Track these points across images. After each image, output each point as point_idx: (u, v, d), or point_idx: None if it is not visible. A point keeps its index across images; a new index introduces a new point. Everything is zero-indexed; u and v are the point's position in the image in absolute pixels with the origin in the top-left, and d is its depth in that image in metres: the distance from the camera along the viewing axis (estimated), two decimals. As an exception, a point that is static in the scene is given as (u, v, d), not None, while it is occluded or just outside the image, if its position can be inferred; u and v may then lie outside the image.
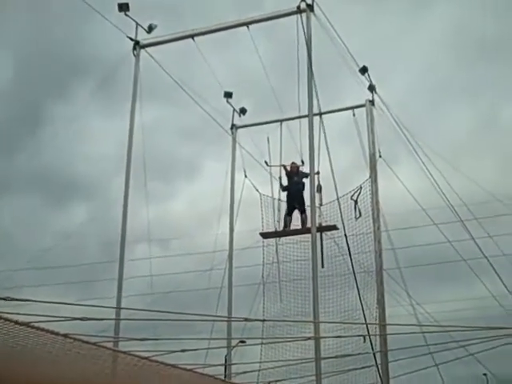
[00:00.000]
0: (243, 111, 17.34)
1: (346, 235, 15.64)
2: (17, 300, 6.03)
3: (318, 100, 13.64)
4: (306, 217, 15.56)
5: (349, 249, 15.33)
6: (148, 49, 13.90)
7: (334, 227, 15.99)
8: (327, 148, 14.96)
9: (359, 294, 14.58)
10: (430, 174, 14.91)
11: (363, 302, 15.47)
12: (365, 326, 14.25)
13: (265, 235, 16.30)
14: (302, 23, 12.95)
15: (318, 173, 15.45)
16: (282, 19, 13.78)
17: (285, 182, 16.64)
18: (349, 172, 19.14)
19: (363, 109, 16.94)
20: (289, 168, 16.44)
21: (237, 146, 17.24)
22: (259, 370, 12.64)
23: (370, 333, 14.09)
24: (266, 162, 16.63)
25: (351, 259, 15.11)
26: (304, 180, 15.73)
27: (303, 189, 15.50)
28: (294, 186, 16.17)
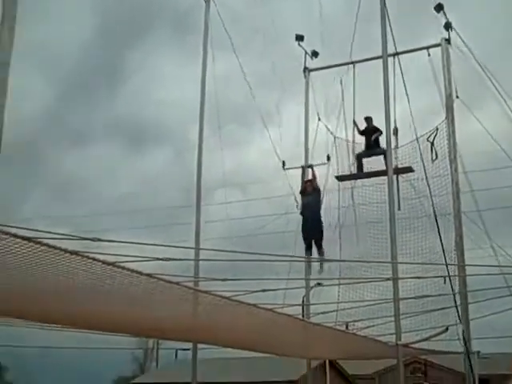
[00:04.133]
0: (315, 54, 17.05)
1: (426, 177, 15.33)
2: (103, 241, 6.29)
3: (393, 39, 13.26)
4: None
5: (430, 190, 15.04)
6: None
7: (410, 169, 15.75)
8: (405, 88, 14.57)
9: (440, 235, 14.35)
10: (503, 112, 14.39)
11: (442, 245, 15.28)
12: (444, 268, 14.12)
13: (340, 178, 16.21)
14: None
15: (396, 130, 15.33)
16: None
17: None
18: (425, 114, 18.65)
19: (439, 48, 16.37)
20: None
21: (310, 89, 17.04)
22: (337, 311, 12.77)
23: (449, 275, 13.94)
24: (354, 122, 16.37)
25: (432, 201, 14.83)
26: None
27: (380, 134, 15.11)
28: (370, 135, 15.96)
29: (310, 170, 15.51)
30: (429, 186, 15.17)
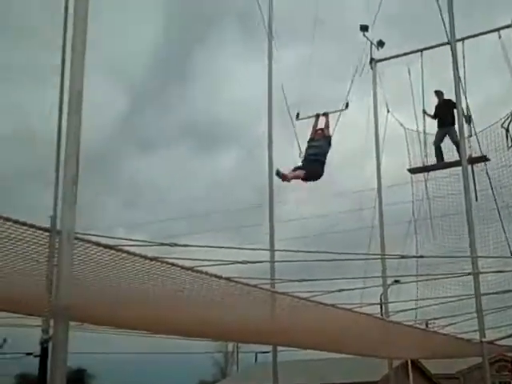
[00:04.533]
0: (381, 44, 16.66)
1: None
2: (180, 246, 6.28)
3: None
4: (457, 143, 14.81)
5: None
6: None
7: (485, 158, 15.18)
8: (464, 75, 14.04)
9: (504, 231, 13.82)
10: None
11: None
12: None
13: (413, 170, 15.79)
14: None
15: (469, 118, 14.69)
16: None
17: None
18: (499, 99, 17.95)
19: (510, 30, 15.72)
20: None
21: (377, 80, 16.68)
22: (416, 309, 12.42)
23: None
24: (424, 111, 15.88)
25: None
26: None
27: (453, 107, 14.30)
28: (443, 109, 15.48)
29: (323, 117, 13.20)
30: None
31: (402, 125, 16.35)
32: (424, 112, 15.91)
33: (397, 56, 16.42)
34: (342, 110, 13.80)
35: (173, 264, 6.28)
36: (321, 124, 12.92)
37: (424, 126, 15.96)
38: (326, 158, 12.03)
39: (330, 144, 12.37)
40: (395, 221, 16.29)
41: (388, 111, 16.57)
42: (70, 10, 5.35)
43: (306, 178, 11.48)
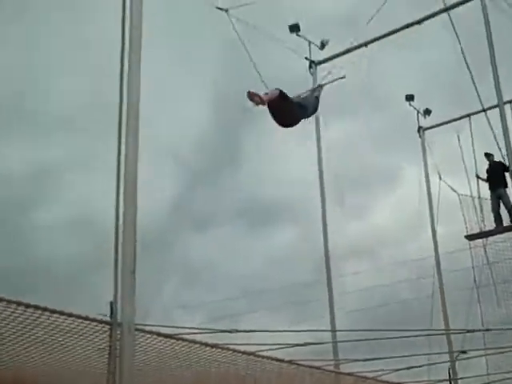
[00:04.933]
0: (427, 112, 16.66)
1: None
2: (240, 331, 6.20)
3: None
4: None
5: None
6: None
7: (547, 221, 14.72)
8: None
9: None
10: None
11: None
12: None
13: (470, 237, 15.37)
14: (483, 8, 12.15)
15: None
16: (455, 10, 13.07)
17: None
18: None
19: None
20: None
21: (427, 148, 16.61)
22: (488, 383, 11.84)
23: None
24: (477, 176, 15.72)
25: None
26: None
27: (504, 169, 13.99)
28: (494, 171, 15.21)
29: None
30: None
31: (455, 191, 16.10)
32: (477, 176, 15.64)
33: (445, 123, 16.38)
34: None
35: (234, 350, 6.22)
36: None
37: (478, 191, 15.67)
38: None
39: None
40: (456, 288, 15.81)
41: (440, 178, 16.42)
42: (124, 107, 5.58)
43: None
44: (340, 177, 13.74)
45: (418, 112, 16.62)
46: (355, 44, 13.82)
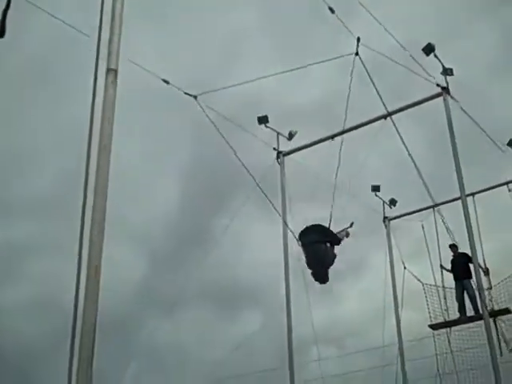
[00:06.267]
0: (393, 202, 17.24)
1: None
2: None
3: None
4: (476, 302, 14.77)
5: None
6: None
7: (508, 311, 15.03)
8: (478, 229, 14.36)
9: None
10: None
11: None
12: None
13: (434, 327, 15.60)
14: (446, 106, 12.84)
15: (486, 270, 14.91)
16: (422, 105, 13.71)
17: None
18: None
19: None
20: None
21: (392, 237, 17.06)
22: None
23: None
24: (441, 266, 16.15)
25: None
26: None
27: (469, 260, 14.11)
28: (458, 262, 15.60)
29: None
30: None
31: (419, 280, 16.42)
32: (441, 266, 16.03)
33: (410, 213, 16.90)
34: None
35: None
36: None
37: (442, 281, 16.01)
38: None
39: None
40: (421, 376, 15.90)
41: (404, 267, 16.78)
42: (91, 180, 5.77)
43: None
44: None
45: (384, 202, 17.18)
46: (322, 137, 14.47)
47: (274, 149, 14.36)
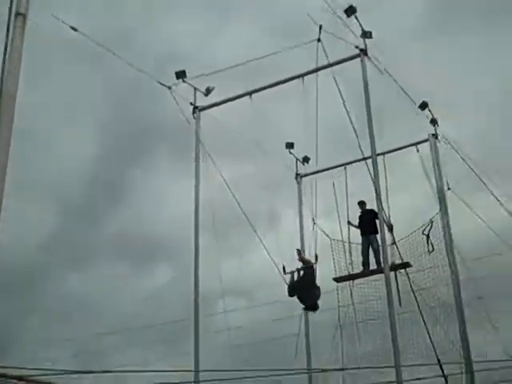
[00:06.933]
0: (306, 160, 17.67)
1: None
2: (96, 372, 6.45)
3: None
4: (379, 256, 15.52)
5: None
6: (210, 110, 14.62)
7: (408, 264, 15.87)
8: (386, 187, 15.03)
9: (429, 334, 14.39)
10: (495, 198, 14.85)
11: (446, 337, 15.26)
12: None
13: (338, 279, 16.36)
14: (363, 67, 13.13)
15: (391, 227, 15.54)
16: (337, 66, 13.92)
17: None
18: (419, 208, 19.00)
19: (427, 144, 16.96)
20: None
21: (303, 194, 17.55)
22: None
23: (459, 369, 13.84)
24: (349, 223, 16.77)
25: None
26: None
27: (375, 216, 14.83)
28: (365, 218, 16.28)
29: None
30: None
31: (327, 235, 17.04)
32: (349, 222, 16.67)
33: (321, 171, 17.33)
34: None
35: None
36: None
37: (349, 236, 16.69)
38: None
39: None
40: (323, 327, 16.65)
41: (314, 223, 17.37)
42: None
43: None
44: (220, 217, 14.27)
45: (297, 159, 17.59)
46: (240, 93, 14.60)
47: (191, 103, 14.40)
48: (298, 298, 13.68)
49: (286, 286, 13.68)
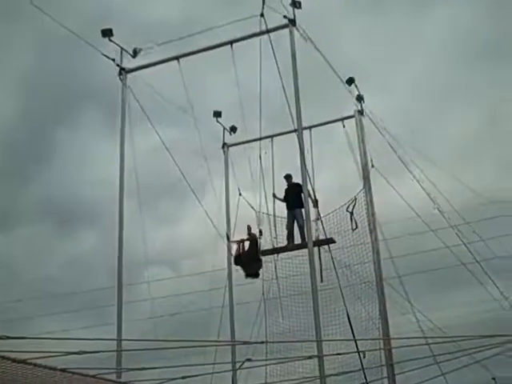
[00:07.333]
0: (233, 129, 17.34)
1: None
2: (12, 338, 5.95)
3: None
4: (304, 231, 15.46)
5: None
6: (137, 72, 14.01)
7: (331, 240, 15.88)
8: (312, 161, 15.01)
9: (347, 310, 14.56)
10: (415, 179, 15.09)
11: (366, 314, 15.45)
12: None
13: (263, 252, 16.18)
14: (291, 38, 12.91)
15: (316, 202, 15.47)
16: (265, 35, 13.59)
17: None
18: (344, 184, 19.10)
19: (353, 120, 16.95)
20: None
21: (230, 164, 17.25)
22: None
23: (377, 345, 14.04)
24: (274, 195, 16.60)
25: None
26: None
27: (301, 190, 14.88)
28: (291, 192, 16.17)
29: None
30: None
31: (253, 208, 16.80)
32: (274, 196, 16.50)
33: (248, 141, 16.92)
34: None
35: (3, 357, 5.99)
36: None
37: (274, 209, 16.53)
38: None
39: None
40: (247, 300, 16.58)
41: (240, 194, 17.12)
42: None
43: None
44: (147, 184, 13.82)
45: (224, 128, 17.22)
46: (169, 56, 14.04)
47: (117, 65, 13.74)
48: (242, 266, 14.85)
49: (232, 256, 15.19)
